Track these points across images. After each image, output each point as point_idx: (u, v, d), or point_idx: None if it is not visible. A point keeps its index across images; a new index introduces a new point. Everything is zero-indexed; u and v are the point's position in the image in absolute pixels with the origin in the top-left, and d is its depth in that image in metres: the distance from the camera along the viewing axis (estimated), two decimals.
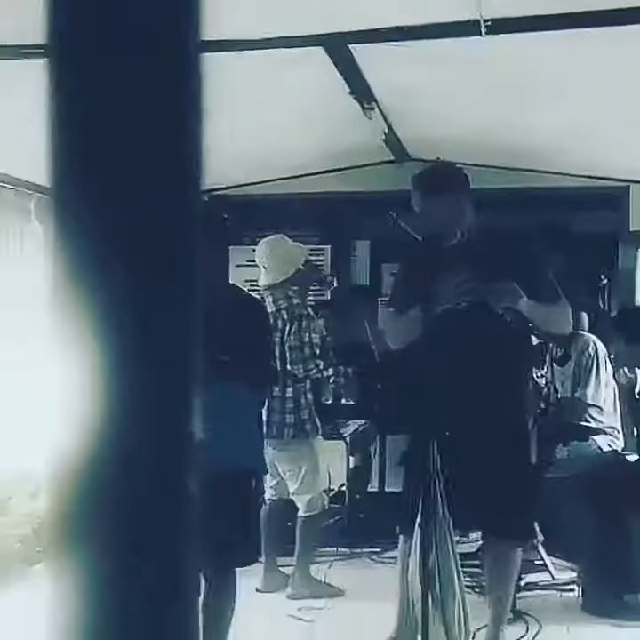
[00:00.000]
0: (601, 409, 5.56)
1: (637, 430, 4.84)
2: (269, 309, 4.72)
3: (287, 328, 4.72)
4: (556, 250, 5.28)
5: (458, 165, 3.71)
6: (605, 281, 6.42)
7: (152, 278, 0.52)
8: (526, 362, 3.83)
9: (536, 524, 3.70)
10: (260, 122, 4.98)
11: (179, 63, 0.52)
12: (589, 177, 6.19)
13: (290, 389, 4.73)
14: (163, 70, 0.52)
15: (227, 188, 6.58)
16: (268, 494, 4.94)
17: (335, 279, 5.64)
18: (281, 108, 4.75)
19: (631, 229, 6.26)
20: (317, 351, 4.78)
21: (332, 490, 6.24)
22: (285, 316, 4.73)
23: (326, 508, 4.97)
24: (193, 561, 0.52)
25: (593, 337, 5.69)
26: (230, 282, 3.63)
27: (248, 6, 3.32)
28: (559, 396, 5.61)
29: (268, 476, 4.82)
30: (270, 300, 4.76)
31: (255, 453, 3.05)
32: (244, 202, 6.55)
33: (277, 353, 4.70)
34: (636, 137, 5.06)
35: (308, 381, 4.82)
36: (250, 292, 3.67)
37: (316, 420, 4.84)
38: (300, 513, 4.83)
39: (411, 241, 3.53)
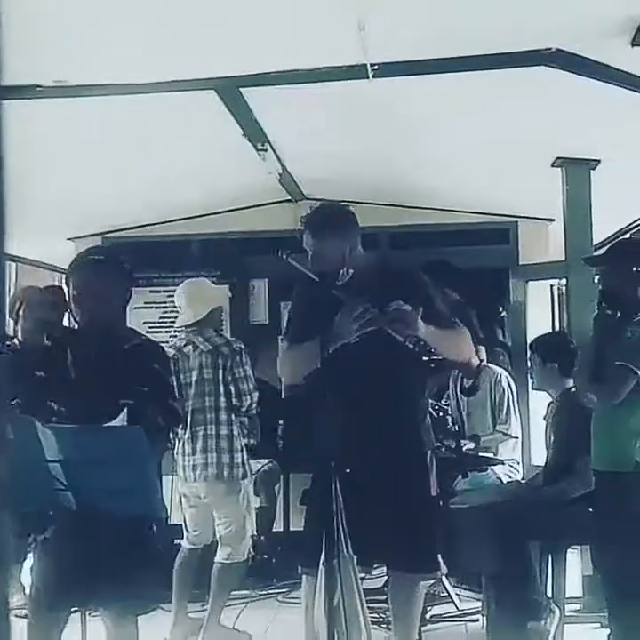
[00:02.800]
0: (517, 439, 5.71)
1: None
2: (204, 348, 4.77)
3: (228, 363, 4.74)
4: (447, 284, 5.39)
5: (346, 204, 3.77)
6: (504, 313, 6.59)
7: None
8: (423, 393, 3.88)
9: (439, 556, 3.72)
10: (155, 164, 4.98)
11: None
12: (478, 213, 6.38)
13: (235, 428, 4.73)
14: None
15: (122, 229, 6.55)
16: (189, 543, 4.82)
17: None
18: (175, 149, 4.76)
19: (520, 263, 6.46)
20: (256, 385, 4.84)
21: None
22: (225, 351, 4.77)
23: (251, 553, 4.83)
24: None
25: (502, 370, 5.82)
26: (126, 326, 3.58)
27: (138, 51, 3.34)
28: (466, 428, 5.71)
29: (191, 525, 4.75)
30: (200, 339, 4.79)
31: (154, 498, 3.02)
32: (140, 243, 6.51)
33: (222, 390, 4.73)
34: (522, 174, 5.25)
35: (246, 422, 4.85)
36: (147, 335, 3.65)
37: (249, 461, 4.83)
38: (221, 559, 4.70)
39: (303, 278, 3.56)
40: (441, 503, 4.45)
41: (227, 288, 5.23)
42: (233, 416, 4.77)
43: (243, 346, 4.86)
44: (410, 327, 3.37)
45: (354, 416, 3.46)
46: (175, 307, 5.10)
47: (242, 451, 4.74)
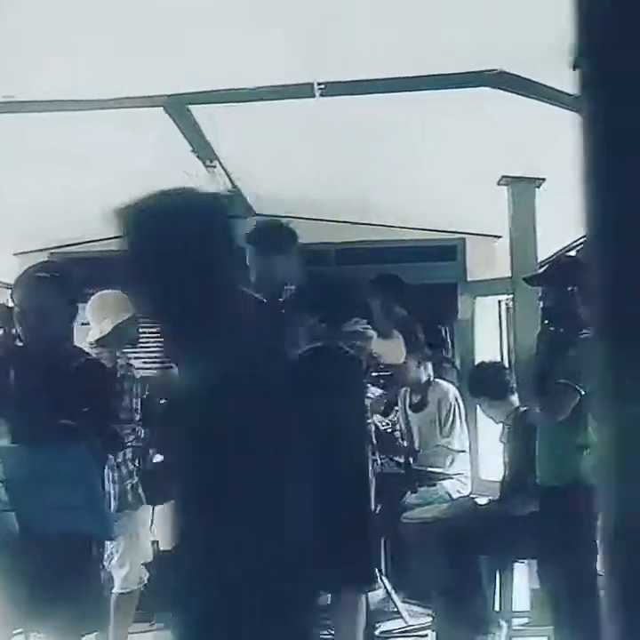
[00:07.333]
0: (464, 453, 5.75)
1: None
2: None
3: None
4: (395, 300, 5.44)
5: (290, 220, 3.82)
6: (445, 331, 6.65)
7: None
8: (365, 408, 3.94)
9: (380, 569, 3.76)
10: (103, 179, 4.95)
11: None
12: (426, 229, 6.44)
13: (111, 458, 4.32)
14: None
15: (71, 245, 6.49)
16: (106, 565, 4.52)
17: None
18: (124, 165, 4.74)
19: (468, 280, 6.53)
20: (137, 417, 4.53)
21: None
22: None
23: (144, 581, 4.57)
24: None
25: (450, 385, 5.87)
26: (73, 343, 3.54)
27: (87, 68, 3.33)
28: (417, 444, 5.75)
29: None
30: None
31: (100, 518, 2.99)
32: (89, 259, 6.45)
33: None
34: (469, 191, 5.32)
35: (129, 448, 4.49)
36: (93, 355, 3.62)
37: (139, 490, 4.51)
38: (116, 589, 4.47)
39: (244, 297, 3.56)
40: (381, 518, 4.47)
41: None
42: None
43: (131, 373, 4.57)
44: (366, 343, 3.42)
45: (297, 429, 3.47)
46: None
47: (120, 482, 4.41)
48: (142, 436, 4.60)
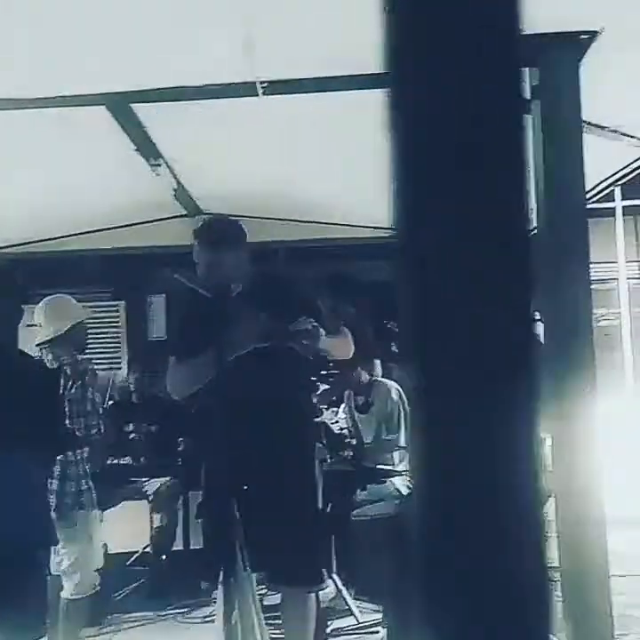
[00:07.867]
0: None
1: None
2: (50, 366, 4.49)
3: (69, 383, 4.46)
4: (344, 298, 5.46)
5: (239, 217, 3.81)
6: (395, 327, 6.68)
7: None
8: (314, 405, 3.95)
9: (324, 568, 3.76)
10: (47, 180, 4.89)
11: None
12: (375, 227, 6.45)
13: (71, 455, 4.36)
14: None
15: (14, 245, 6.40)
16: (53, 569, 4.45)
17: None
18: (67, 165, 4.68)
19: None
20: (100, 410, 4.58)
21: (136, 552, 6.11)
22: (68, 372, 4.47)
23: (97, 588, 4.51)
24: None
25: (393, 383, 5.90)
26: (17, 346, 3.50)
27: (27, 64, 3.28)
28: (365, 442, 5.77)
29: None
30: (50, 357, 4.49)
31: (40, 523, 2.95)
32: (33, 259, 6.37)
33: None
34: None
35: (86, 448, 4.51)
36: (39, 358, 3.58)
37: (93, 491, 4.47)
38: (66, 594, 4.39)
39: (191, 292, 3.56)
40: (331, 515, 4.48)
41: (79, 305, 4.93)
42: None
43: (90, 366, 4.64)
44: (314, 343, 3.43)
45: (245, 429, 3.46)
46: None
47: (76, 480, 4.36)
48: (102, 429, 4.61)
